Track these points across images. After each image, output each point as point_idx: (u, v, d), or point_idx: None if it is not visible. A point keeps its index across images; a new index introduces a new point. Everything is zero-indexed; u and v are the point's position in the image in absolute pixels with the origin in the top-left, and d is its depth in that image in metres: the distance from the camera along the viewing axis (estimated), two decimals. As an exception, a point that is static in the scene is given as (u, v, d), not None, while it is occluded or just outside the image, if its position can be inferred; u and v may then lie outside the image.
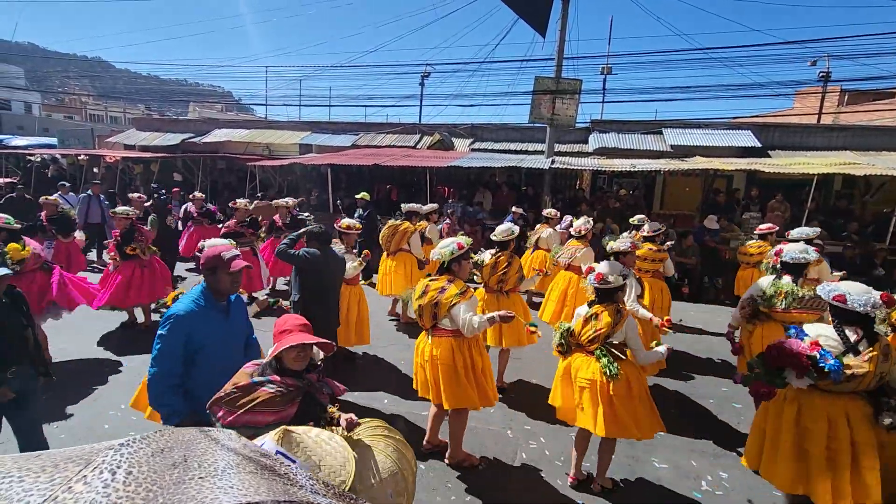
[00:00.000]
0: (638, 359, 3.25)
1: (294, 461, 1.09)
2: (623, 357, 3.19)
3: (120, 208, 6.27)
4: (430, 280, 3.50)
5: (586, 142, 12.82)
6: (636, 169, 9.65)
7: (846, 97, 18.95)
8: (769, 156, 11.09)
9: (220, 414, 2.00)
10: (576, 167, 10.88)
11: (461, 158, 11.41)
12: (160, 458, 0.79)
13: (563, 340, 3.38)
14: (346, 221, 5.27)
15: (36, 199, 9.49)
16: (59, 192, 10.12)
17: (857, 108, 17.70)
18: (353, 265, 5.04)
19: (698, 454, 3.82)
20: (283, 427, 1.60)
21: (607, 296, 3.31)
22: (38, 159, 16.52)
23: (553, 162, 10.59)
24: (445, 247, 3.50)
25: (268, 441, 1.50)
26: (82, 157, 15.33)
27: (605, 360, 3.14)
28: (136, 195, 8.46)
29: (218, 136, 15.57)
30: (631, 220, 6.93)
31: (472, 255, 4.51)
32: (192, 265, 9.34)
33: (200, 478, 0.76)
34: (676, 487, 3.44)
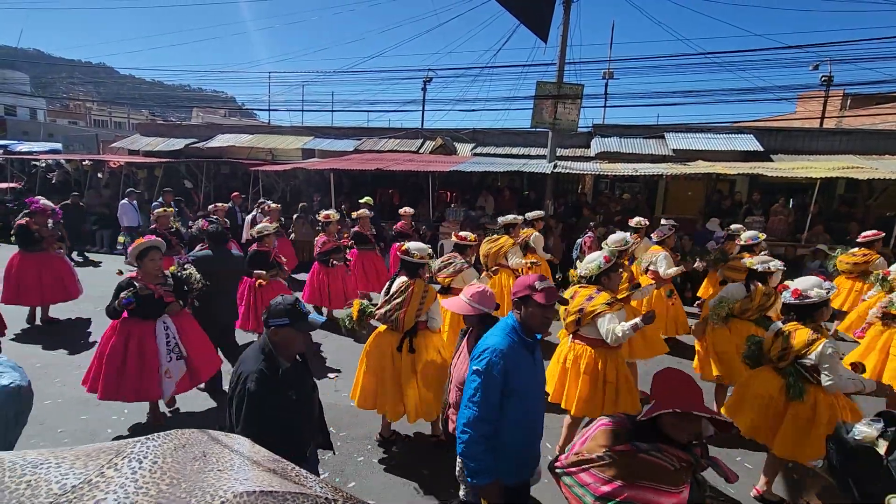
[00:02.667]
0: (829, 386, 2.89)
1: None
2: (812, 381, 2.97)
3: (262, 225, 5.77)
4: (580, 286, 3.53)
5: (588, 146, 12.83)
6: (638, 173, 9.65)
7: (849, 101, 18.93)
8: (772, 160, 11.08)
9: (610, 490, 1.57)
10: (578, 171, 10.89)
11: (463, 163, 11.43)
12: (182, 452, 0.87)
13: (751, 353, 3.32)
14: (462, 233, 5.09)
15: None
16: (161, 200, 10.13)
17: (860, 112, 17.68)
18: (472, 277, 4.70)
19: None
20: None
21: (804, 312, 3.08)
22: (44, 164, 16.62)
23: (555, 166, 10.61)
24: (592, 261, 3.50)
25: None
26: (87, 162, 15.42)
27: (790, 378, 3.00)
28: (220, 205, 8.16)
29: (221, 140, 15.64)
30: (727, 229, 6.72)
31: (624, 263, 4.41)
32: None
33: (219, 470, 0.84)
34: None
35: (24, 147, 18.48)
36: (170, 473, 0.80)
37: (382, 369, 3.60)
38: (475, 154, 13.28)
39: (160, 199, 10.00)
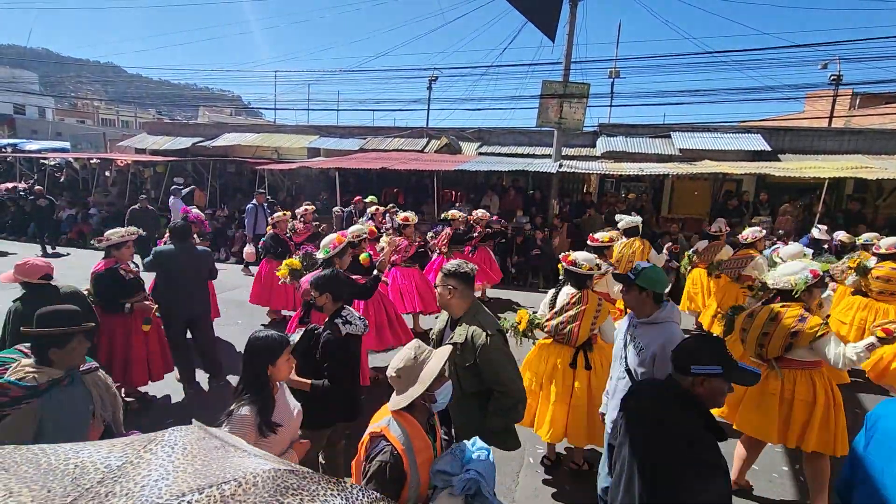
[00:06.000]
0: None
1: None
2: None
3: (356, 227, 5.19)
4: (782, 306, 3.11)
5: (594, 145, 12.80)
6: (644, 173, 9.60)
7: (857, 100, 18.76)
8: (779, 159, 11.01)
9: None
10: (583, 171, 10.87)
11: (468, 162, 11.43)
12: (205, 441, 0.99)
13: None
14: (604, 235, 4.69)
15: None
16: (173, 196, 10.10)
17: (869, 112, 17.52)
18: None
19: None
20: None
21: None
22: (53, 163, 16.79)
23: (561, 166, 10.58)
24: (794, 273, 3.13)
25: None
26: (94, 160, 15.55)
27: None
28: (307, 208, 7.44)
29: (227, 139, 15.72)
30: (858, 238, 6.14)
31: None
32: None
33: (239, 456, 0.96)
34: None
35: (32, 146, 18.67)
36: (200, 456, 0.90)
37: (550, 384, 3.43)
38: (480, 153, 13.27)
39: (254, 202, 9.22)
